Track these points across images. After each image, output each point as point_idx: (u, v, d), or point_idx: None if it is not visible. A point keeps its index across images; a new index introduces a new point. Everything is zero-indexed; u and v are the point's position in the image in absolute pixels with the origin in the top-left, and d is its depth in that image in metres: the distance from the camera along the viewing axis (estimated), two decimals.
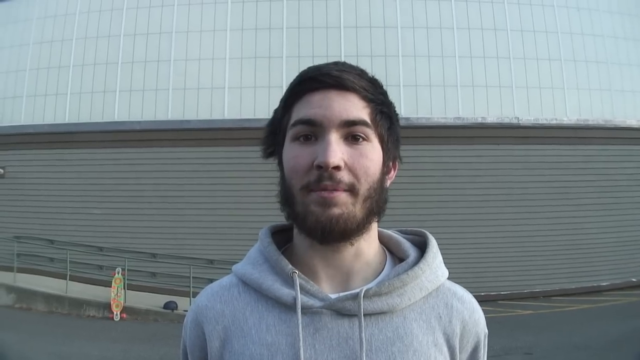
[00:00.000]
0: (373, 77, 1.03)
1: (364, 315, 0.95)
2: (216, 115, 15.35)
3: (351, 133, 0.96)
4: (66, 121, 15.85)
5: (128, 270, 13.30)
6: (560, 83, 16.04)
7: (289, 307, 0.98)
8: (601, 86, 16.27)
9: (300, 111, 0.98)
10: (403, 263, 1.04)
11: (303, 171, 0.95)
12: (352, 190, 0.94)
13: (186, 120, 15.34)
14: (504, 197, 15.08)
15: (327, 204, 0.93)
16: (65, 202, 15.16)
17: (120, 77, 15.89)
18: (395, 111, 1.05)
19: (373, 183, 0.97)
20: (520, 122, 15.55)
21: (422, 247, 1.09)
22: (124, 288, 12.75)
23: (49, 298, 13.08)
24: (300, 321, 0.95)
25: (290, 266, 1.01)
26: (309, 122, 0.96)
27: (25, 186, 15.47)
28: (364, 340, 0.94)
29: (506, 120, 15.51)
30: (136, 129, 15.29)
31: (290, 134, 0.99)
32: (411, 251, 1.07)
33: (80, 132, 15.47)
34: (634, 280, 15.40)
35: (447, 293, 1.04)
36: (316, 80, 0.97)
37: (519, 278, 14.90)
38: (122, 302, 12.52)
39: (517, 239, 14.96)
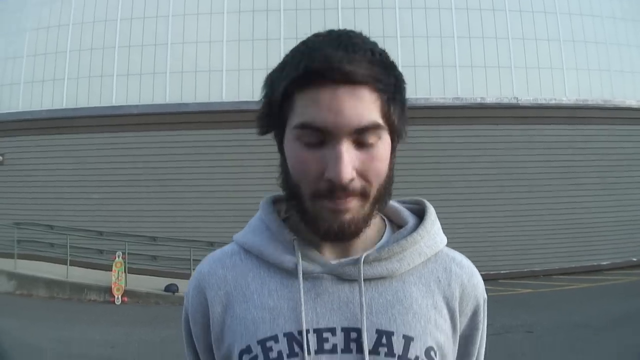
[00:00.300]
0: (384, 56, 0.98)
1: (364, 280, 0.97)
2: (214, 98, 15.31)
3: (362, 138, 0.91)
4: (64, 106, 15.81)
5: (128, 253, 13.35)
6: (559, 63, 15.99)
7: (290, 272, 0.99)
8: (600, 66, 16.22)
9: (306, 111, 0.90)
10: (402, 229, 1.05)
11: (312, 178, 0.92)
12: (363, 194, 0.93)
13: (184, 104, 15.29)
14: (504, 177, 15.09)
15: (340, 211, 0.92)
16: (64, 187, 15.17)
17: (117, 61, 15.82)
18: (405, 92, 1.00)
19: (383, 182, 0.96)
20: (519, 102, 15.52)
21: (421, 216, 1.09)
22: (125, 272, 12.79)
23: (50, 283, 13.12)
24: (302, 286, 0.96)
25: (291, 234, 1.02)
26: (317, 130, 0.90)
27: (24, 172, 15.46)
28: (364, 304, 0.95)
29: (505, 101, 15.49)
30: (134, 113, 15.26)
31: (295, 132, 0.93)
32: (410, 219, 1.08)
33: (78, 117, 15.43)
34: (634, 259, 15.47)
35: (445, 258, 1.05)
36: (324, 75, 0.89)
37: (518, 257, 14.97)
38: (123, 285, 12.57)
39: (516, 218, 15.00)
